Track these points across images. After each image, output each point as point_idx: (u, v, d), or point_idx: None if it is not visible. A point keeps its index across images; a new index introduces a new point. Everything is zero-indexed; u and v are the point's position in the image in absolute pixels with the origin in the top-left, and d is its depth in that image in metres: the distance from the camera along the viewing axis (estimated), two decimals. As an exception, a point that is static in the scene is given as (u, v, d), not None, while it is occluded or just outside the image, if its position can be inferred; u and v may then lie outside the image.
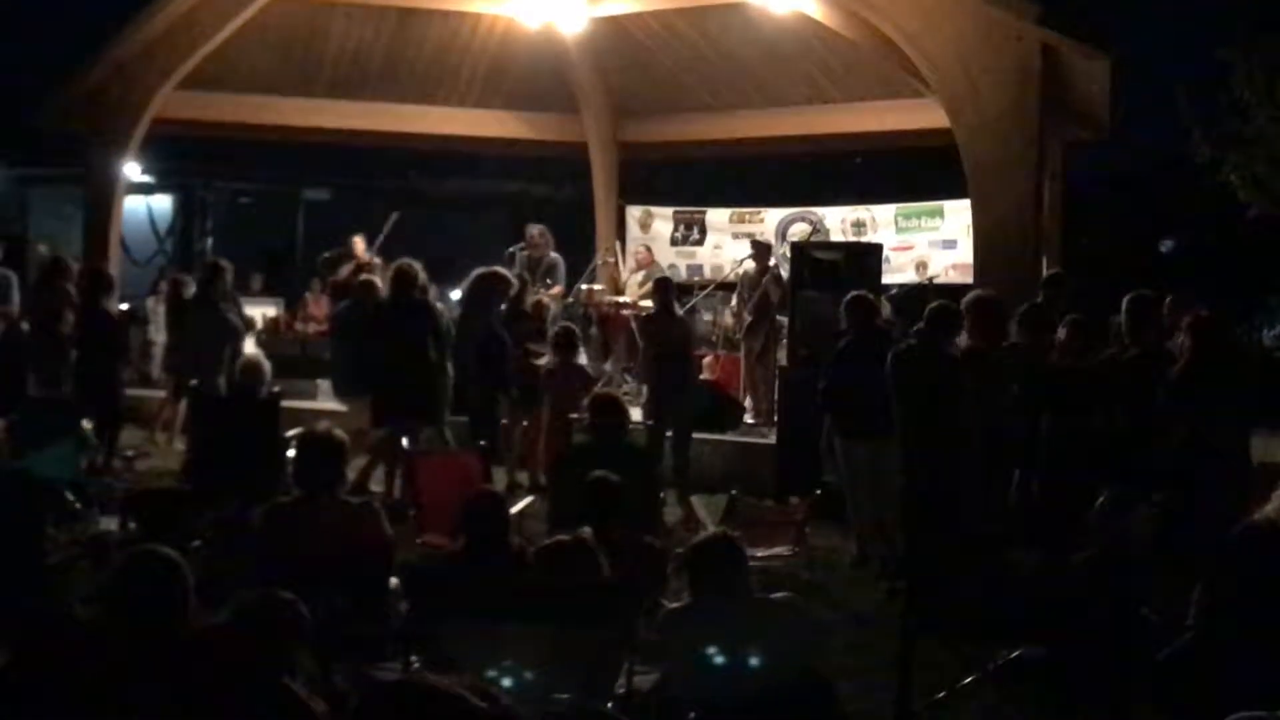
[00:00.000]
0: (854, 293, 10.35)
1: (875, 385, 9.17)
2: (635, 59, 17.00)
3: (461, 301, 11.91)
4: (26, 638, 4.72)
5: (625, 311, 15.26)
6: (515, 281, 12.16)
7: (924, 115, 14.03)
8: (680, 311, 12.53)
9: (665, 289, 12.18)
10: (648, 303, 14.78)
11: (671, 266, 17.23)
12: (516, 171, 25.44)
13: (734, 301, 14.71)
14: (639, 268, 16.60)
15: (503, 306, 11.88)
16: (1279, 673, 3.80)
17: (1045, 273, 11.20)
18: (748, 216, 18.22)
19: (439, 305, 12.16)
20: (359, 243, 15.76)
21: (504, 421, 11.54)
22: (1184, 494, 7.16)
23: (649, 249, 17.29)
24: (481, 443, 10.86)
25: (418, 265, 11.40)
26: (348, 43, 16.60)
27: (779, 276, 13.80)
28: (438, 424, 11.29)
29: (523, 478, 11.54)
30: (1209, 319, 8.06)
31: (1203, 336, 7.95)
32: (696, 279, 17.36)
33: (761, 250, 14.41)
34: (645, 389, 12.16)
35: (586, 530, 6.13)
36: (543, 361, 11.87)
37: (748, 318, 14.01)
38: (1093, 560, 6.27)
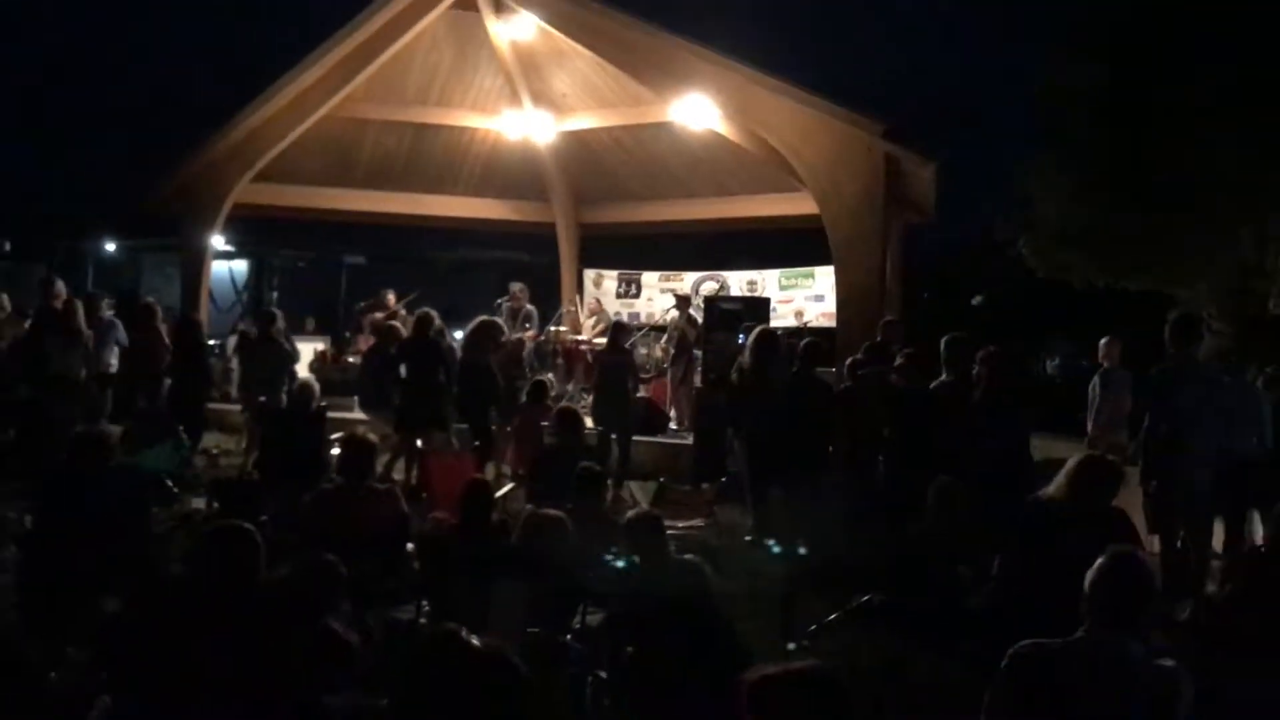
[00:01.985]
0: (760, 328, 10.23)
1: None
2: (591, 162, 17.02)
3: (465, 341, 11.84)
4: (136, 591, 4.69)
5: (583, 347, 15.24)
6: (505, 328, 12.14)
7: (800, 203, 14.07)
8: (626, 345, 12.54)
9: (619, 330, 12.21)
10: (601, 340, 14.77)
11: (617, 314, 17.23)
12: (503, 243, 25.29)
13: (664, 340, 14.74)
14: (591, 314, 16.59)
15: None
16: (1056, 612, 3.84)
17: (884, 318, 11.19)
18: (671, 277, 18.21)
19: (448, 343, 12.14)
20: (390, 295, 15.73)
21: (493, 428, 11.47)
22: (987, 482, 7.16)
23: (599, 301, 17.30)
24: (476, 444, 10.84)
25: (435, 312, 11.38)
26: (379, 149, 16.54)
27: (694, 321, 13.83)
28: (445, 431, 11.25)
29: (507, 470, 11.48)
30: (998, 353, 8.04)
31: (994, 367, 7.95)
32: (636, 323, 17.32)
33: (681, 301, 14.48)
34: (594, 402, 12.10)
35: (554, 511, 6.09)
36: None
37: (672, 352, 14.04)
38: (926, 531, 6.34)
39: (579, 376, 15.01)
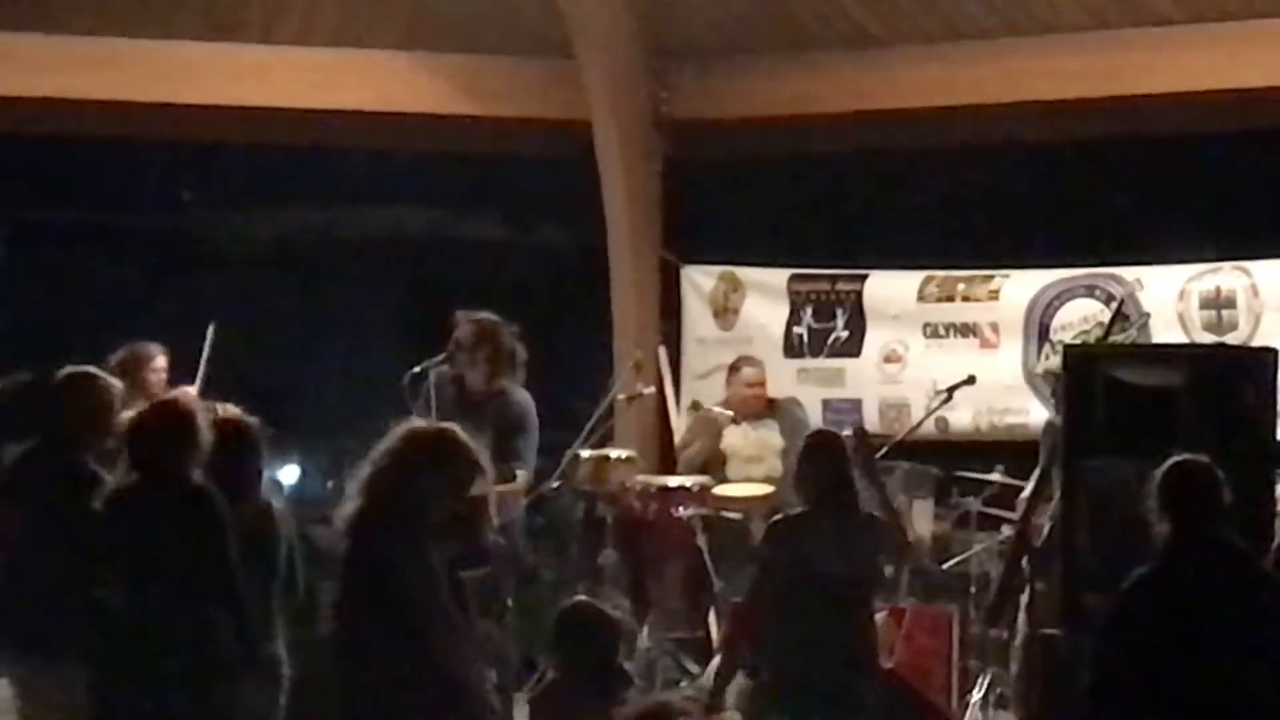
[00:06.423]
0: (1180, 458, 10.35)
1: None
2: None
3: (358, 512, 11.66)
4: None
5: (683, 511, 15.64)
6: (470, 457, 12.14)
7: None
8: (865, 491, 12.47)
9: (830, 448, 12.27)
10: (751, 489, 14.77)
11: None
12: (426, 191, 25.56)
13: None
14: (742, 414, 16.67)
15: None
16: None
17: None
18: (963, 287, 18.47)
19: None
20: (155, 354, 15.17)
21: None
22: None
23: (754, 366, 17.25)
24: None
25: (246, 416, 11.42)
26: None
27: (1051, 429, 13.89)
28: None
29: None
30: None
31: None
32: (851, 429, 17.21)
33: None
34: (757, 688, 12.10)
35: None
36: None
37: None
38: None
39: (666, 604, 15.25)
